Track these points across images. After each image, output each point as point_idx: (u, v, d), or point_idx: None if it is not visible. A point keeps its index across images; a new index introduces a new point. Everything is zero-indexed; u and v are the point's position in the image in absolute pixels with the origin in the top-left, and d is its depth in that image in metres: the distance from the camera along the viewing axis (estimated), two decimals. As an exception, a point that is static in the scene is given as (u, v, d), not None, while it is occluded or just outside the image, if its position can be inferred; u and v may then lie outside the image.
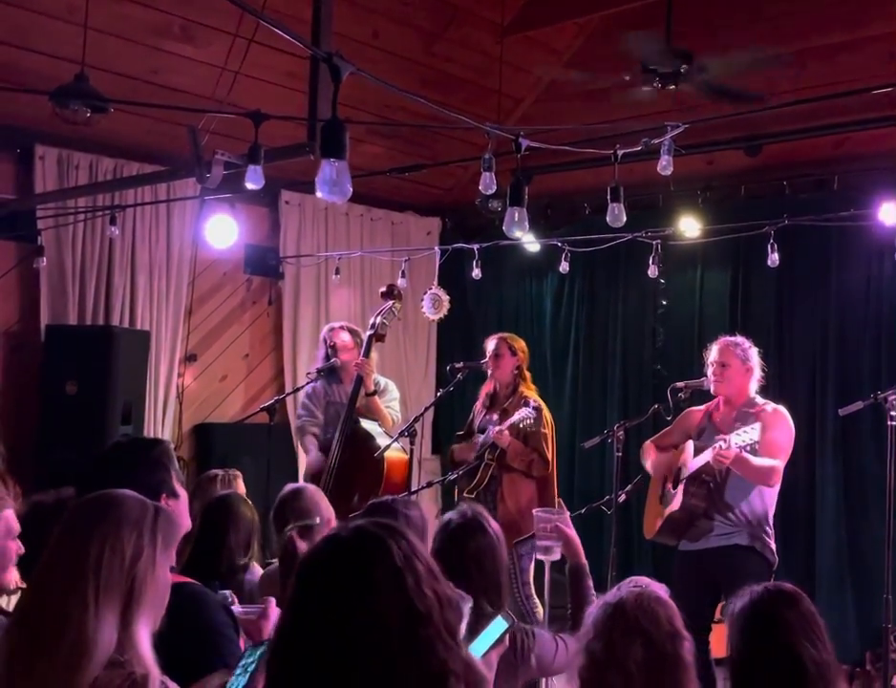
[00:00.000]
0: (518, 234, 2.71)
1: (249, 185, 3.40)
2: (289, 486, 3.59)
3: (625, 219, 3.01)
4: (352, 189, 2.13)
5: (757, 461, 4.27)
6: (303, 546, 2.97)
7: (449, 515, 2.87)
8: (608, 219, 3.04)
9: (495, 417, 5.23)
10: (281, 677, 1.39)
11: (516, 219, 2.60)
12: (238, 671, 1.98)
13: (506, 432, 5.00)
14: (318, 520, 3.22)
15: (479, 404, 5.44)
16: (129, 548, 1.78)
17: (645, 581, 2.24)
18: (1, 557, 2.39)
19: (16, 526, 2.48)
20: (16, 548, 2.45)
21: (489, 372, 5.29)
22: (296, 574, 1.44)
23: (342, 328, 5.58)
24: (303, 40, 2.75)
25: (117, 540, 1.78)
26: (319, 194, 2.09)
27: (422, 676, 1.34)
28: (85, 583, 1.73)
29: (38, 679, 1.71)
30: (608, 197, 2.96)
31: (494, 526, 2.82)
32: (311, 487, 3.62)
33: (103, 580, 1.74)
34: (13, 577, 2.43)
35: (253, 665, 1.96)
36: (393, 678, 1.32)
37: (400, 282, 6.11)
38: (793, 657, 2.08)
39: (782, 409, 4.50)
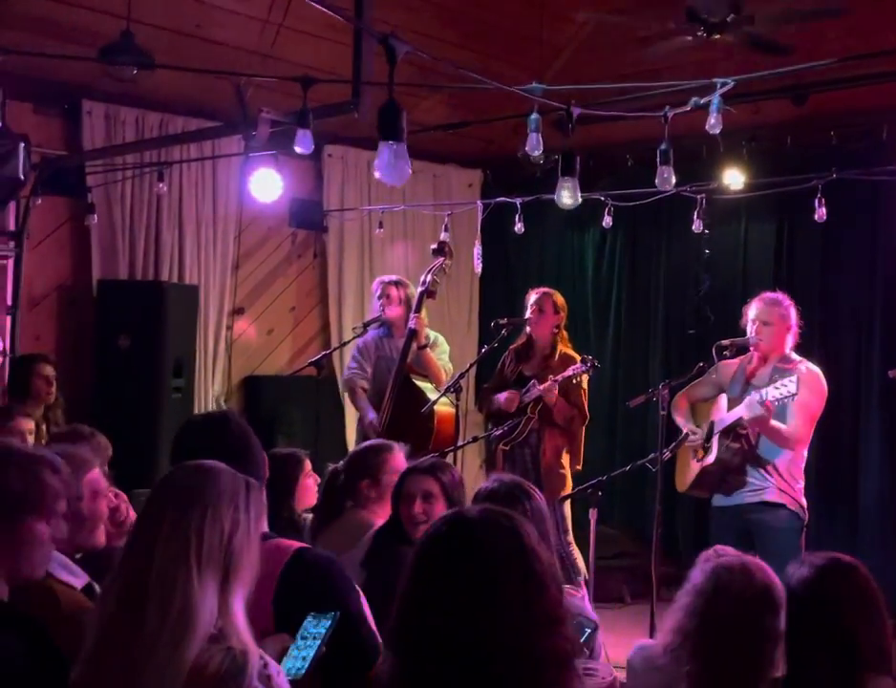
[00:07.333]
0: (568, 203, 2.71)
1: (298, 150, 3.44)
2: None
3: (674, 181, 3.00)
4: (410, 171, 2.14)
5: (780, 425, 4.25)
6: None
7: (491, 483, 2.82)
8: (656, 182, 3.03)
9: (532, 373, 5.22)
10: (404, 657, 1.42)
11: (569, 188, 2.60)
12: (305, 639, 1.97)
13: (555, 388, 4.99)
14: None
15: (508, 356, 5.39)
16: (227, 522, 1.77)
17: (734, 552, 2.25)
18: (91, 518, 2.44)
19: (103, 486, 2.51)
20: (106, 505, 2.50)
21: (528, 328, 5.26)
22: (417, 552, 1.47)
23: (392, 283, 5.59)
24: (347, 15, 2.74)
25: (215, 513, 1.77)
26: (377, 175, 2.12)
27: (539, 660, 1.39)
28: (188, 552, 1.71)
29: (139, 654, 1.65)
30: (658, 160, 2.96)
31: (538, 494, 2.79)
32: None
33: (205, 552, 1.72)
34: (102, 537, 2.46)
35: (325, 634, 1.96)
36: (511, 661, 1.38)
37: (443, 235, 6.12)
38: (844, 635, 2.07)
39: (817, 370, 4.44)
